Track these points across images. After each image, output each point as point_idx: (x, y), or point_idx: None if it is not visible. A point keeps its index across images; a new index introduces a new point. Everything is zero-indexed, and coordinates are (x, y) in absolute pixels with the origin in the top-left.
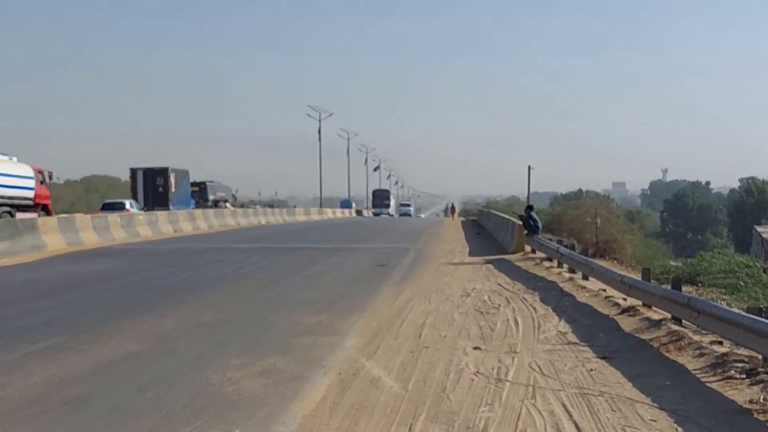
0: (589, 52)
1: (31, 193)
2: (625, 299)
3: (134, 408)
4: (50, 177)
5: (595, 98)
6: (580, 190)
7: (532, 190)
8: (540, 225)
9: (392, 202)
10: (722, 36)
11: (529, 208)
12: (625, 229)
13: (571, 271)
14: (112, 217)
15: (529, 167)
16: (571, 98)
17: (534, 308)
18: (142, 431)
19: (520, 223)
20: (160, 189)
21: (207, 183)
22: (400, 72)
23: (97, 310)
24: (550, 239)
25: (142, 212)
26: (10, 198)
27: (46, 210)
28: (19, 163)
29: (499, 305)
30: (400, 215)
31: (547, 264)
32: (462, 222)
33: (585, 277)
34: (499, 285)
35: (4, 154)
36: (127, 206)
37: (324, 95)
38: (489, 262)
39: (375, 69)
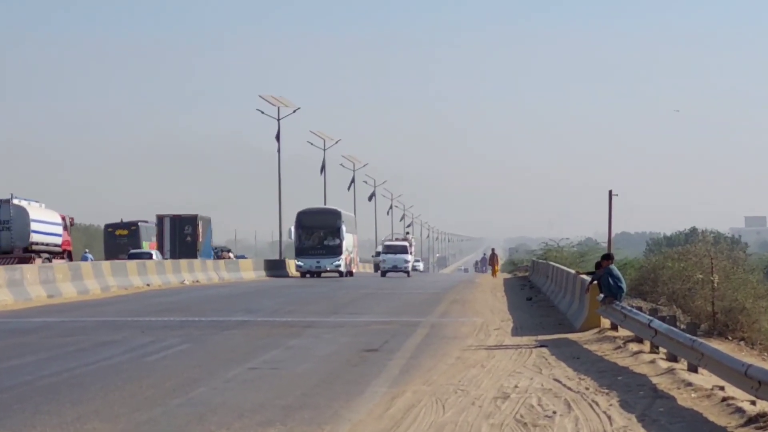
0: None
1: (60, 240)
2: (753, 402)
3: None
4: (71, 223)
5: (720, 97)
6: (693, 230)
7: (620, 230)
8: (624, 286)
9: (348, 242)
10: None
11: (607, 258)
12: (760, 292)
13: (672, 358)
14: None
15: (611, 193)
16: (682, 97)
17: (609, 417)
18: None
19: (593, 282)
20: (188, 238)
21: (140, 223)
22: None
23: None
24: (640, 308)
25: (2, 268)
26: (46, 245)
27: (69, 256)
28: (49, 210)
29: (555, 413)
30: (386, 271)
31: (634, 347)
32: (506, 280)
33: (692, 368)
34: (557, 381)
35: (36, 201)
36: (154, 257)
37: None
38: (543, 344)
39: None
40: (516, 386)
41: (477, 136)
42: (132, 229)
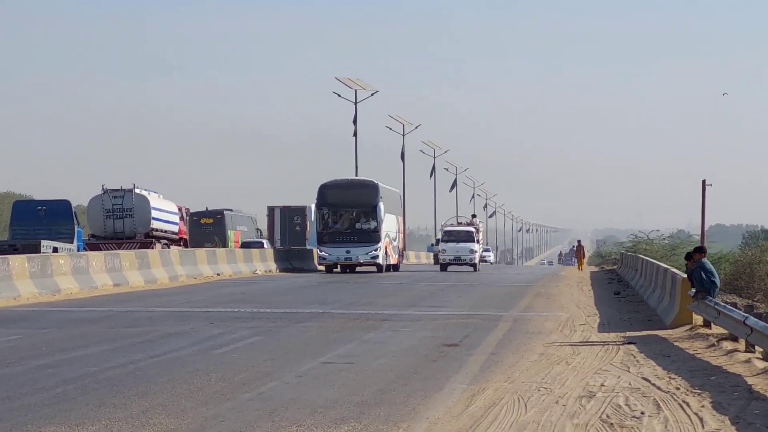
0: None
1: (176, 228)
2: None
3: None
4: (187, 213)
5: None
6: None
7: (715, 222)
8: (717, 280)
9: (390, 225)
10: None
11: (699, 252)
12: None
13: None
14: (17, 260)
15: (704, 184)
16: None
17: (701, 419)
18: None
19: (684, 276)
20: (297, 228)
21: (225, 212)
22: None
23: None
24: (735, 304)
25: (67, 255)
26: (165, 232)
27: (186, 244)
28: (167, 200)
29: (643, 413)
30: (446, 264)
31: (728, 345)
32: (593, 274)
33: None
34: (646, 380)
35: (155, 192)
36: (265, 245)
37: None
38: (631, 341)
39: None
40: (602, 385)
41: (565, 123)
42: (217, 218)
